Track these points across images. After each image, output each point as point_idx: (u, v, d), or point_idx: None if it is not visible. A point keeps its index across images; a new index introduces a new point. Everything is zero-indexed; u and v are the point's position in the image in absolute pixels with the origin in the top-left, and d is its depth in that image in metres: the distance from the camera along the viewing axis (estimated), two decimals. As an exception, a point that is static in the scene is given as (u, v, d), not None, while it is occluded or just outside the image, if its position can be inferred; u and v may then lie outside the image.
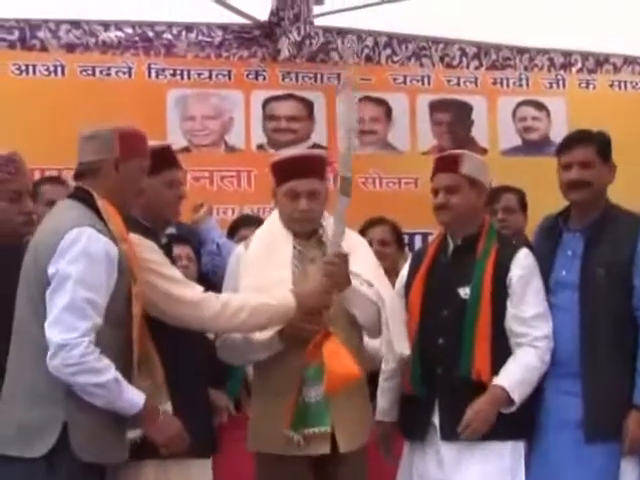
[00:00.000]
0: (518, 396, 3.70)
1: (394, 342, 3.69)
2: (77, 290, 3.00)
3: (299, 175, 3.73)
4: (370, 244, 4.19)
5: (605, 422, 3.71)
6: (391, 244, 4.83)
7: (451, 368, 3.74)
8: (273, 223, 3.85)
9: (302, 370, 3.58)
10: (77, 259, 3.02)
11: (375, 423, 3.91)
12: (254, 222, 4.78)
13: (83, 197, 3.18)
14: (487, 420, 3.67)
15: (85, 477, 3.03)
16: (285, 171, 3.75)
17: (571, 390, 3.78)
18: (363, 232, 4.63)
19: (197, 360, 3.52)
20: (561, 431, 3.77)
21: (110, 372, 3.02)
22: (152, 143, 3.56)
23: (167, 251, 3.66)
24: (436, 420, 3.76)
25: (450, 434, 3.72)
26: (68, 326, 2.98)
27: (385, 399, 3.95)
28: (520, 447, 3.78)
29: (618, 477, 3.71)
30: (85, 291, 3.00)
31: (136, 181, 3.27)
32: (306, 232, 3.79)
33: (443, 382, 3.76)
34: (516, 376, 3.71)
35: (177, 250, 4.09)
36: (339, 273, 3.63)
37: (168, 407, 3.26)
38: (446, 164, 3.83)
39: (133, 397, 3.08)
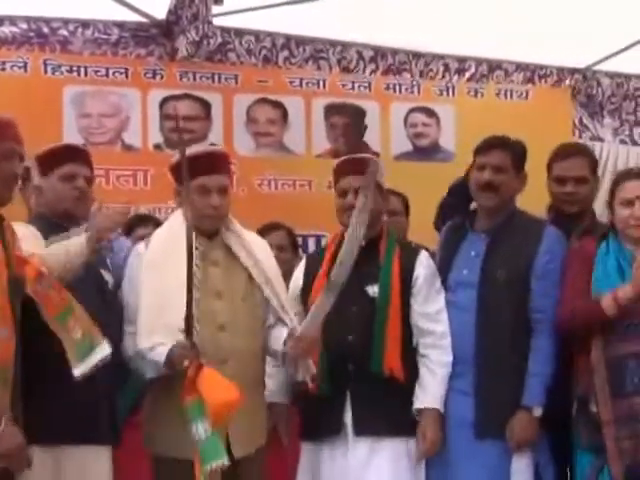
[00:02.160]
0: (443, 406, 3.87)
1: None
2: None
3: (209, 171, 3.72)
4: None
5: (495, 420, 3.83)
6: (287, 249, 4.87)
7: (362, 364, 3.81)
8: (175, 222, 3.79)
9: (184, 410, 3.46)
10: None
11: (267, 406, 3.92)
12: (149, 220, 4.78)
13: None
14: (437, 440, 3.84)
15: None
16: (193, 168, 3.67)
17: (466, 389, 3.89)
18: (259, 237, 4.65)
19: None
20: (456, 429, 3.88)
21: None
22: (50, 145, 3.63)
23: None
24: (348, 418, 3.82)
25: (364, 429, 3.80)
26: None
27: (273, 381, 3.97)
28: None
29: (510, 474, 3.83)
30: None
31: None
32: (211, 231, 3.78)
33: (355, 378, 3.83)
34: (439, 392, 3.86)
35: None
36: (307, 350, 3.68)
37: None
38: (358, 167, 3.88)
39: None
